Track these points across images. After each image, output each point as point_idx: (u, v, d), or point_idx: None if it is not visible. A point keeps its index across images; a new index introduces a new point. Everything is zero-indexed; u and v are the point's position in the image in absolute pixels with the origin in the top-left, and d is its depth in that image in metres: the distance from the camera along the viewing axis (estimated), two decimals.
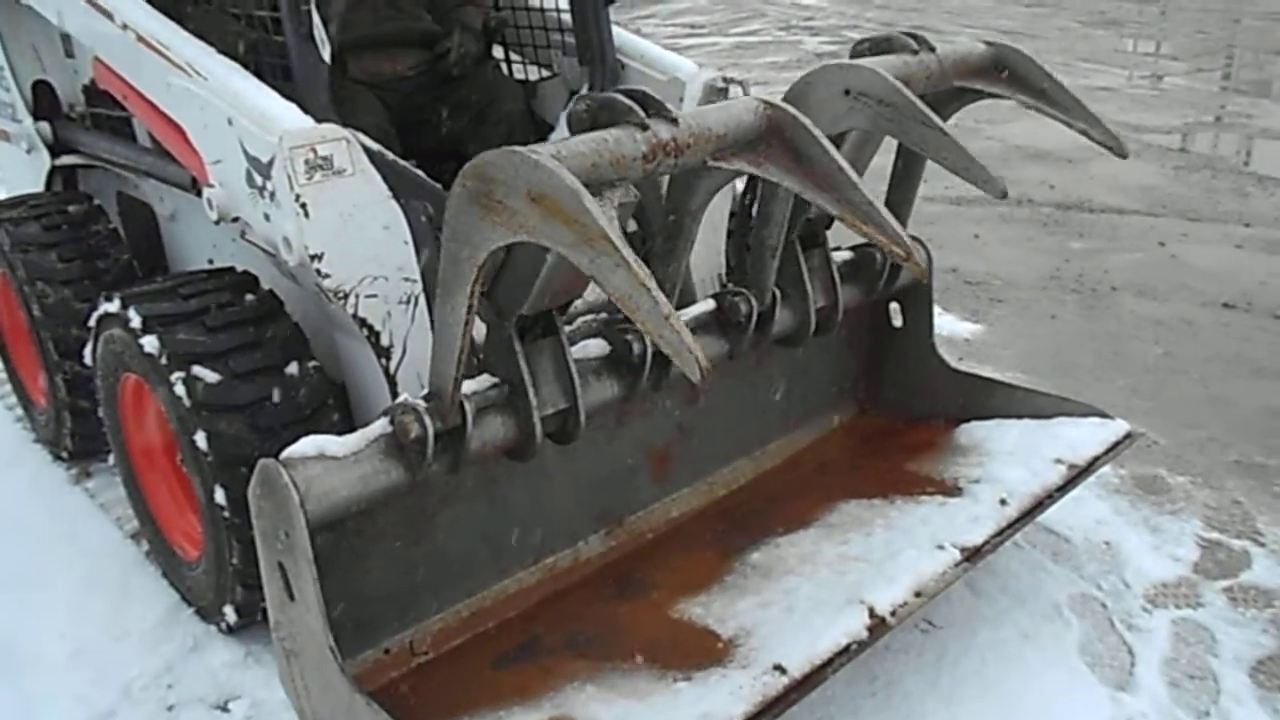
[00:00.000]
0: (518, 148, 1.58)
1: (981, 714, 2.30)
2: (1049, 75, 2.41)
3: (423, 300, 2.43)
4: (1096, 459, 2.69)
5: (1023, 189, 6.72)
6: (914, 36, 2.39)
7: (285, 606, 1.94)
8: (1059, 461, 2.65)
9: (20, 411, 3.74)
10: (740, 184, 3.16)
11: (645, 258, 2.86)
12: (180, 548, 2.69)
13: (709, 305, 2.51)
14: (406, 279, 2.39)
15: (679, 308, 2.44)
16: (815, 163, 1.85)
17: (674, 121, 1.76)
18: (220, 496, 2.29)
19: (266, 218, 2.36)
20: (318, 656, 1.90)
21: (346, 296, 2.31)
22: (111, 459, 2.96)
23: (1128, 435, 2.78)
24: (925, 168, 2.61)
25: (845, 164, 1.83)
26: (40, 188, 3.57)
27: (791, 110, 1.88)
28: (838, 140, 2.31)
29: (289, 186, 2.23)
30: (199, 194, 2.59)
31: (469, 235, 1.71)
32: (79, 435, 3.29)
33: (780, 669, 1.95)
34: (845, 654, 2.02)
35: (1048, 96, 2.41)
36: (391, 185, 2.39)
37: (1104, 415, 2.82)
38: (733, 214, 3.10)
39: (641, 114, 1.73)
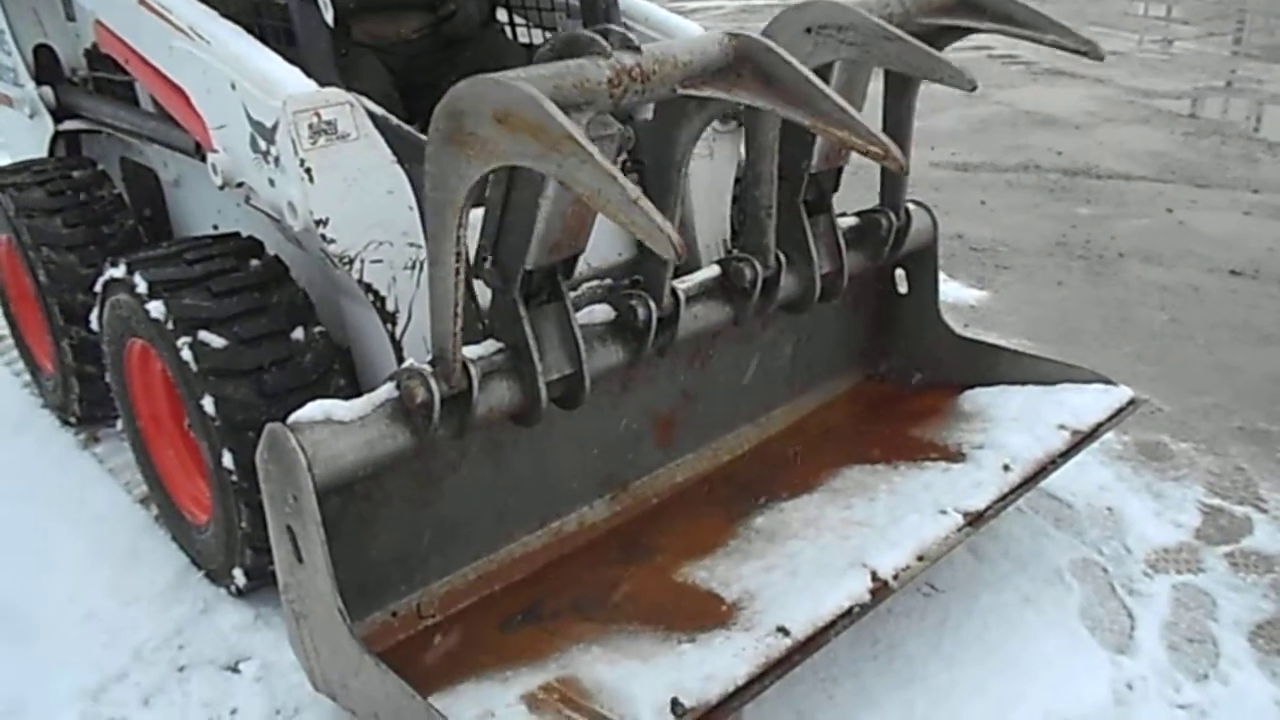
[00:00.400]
0: (475, 78, 1.62)
1: (982, 676, 2.32)
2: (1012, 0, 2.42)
3: (428, 265, 2.43)
4: (1100, 425, 2.69)
5: (1030, 155, 6.67)
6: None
7: (294, 569, 1.96)
8: (1062, 427, 2.65)
9: (28, 377, 3.76)
10: (744, 150, 3.15)
11: None
12: (189, 512, 2.72)
13: (714, 271, 2.50)
14: (411, 244, 2.39)
15: (683, 273, 2.47)
16: (785, 81, 1.87)
17: (637, 50, 1.80)
18: (228, 460, 2.30)
19: (271, 183, 2.35)
20: (326, 618, 1.92)
21: (352, 261, 2.31)
22: (119, 424, 2.99)
23: (1131, 402, 2.79)
24: (917, 95, 2.62)
25: (813, 77, 1.86)
26: (43, 153, 3.56)
27: (757, 36, 1.91)
28: (822, 76, 2.33)
29: (293, 151, 2.22)
30: (203, 159, 2.58)
31: (446, 178, 1.74)
32: (86, 400, 3.31)
33: (783, 631, 1.97)
34: (848, 616, 2.04)
35: (1014, 19, 2.42)
36: (395, 149, 2.38)
37: (1108, 381, 2.82)
38: (737, 180, 3.09)
39: (605, 44, 1.76)
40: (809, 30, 2.18)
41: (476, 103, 1.62)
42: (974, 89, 2.11)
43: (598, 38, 1.77)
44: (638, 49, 1.81)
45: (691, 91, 1.87)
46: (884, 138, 1.83)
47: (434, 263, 1.89)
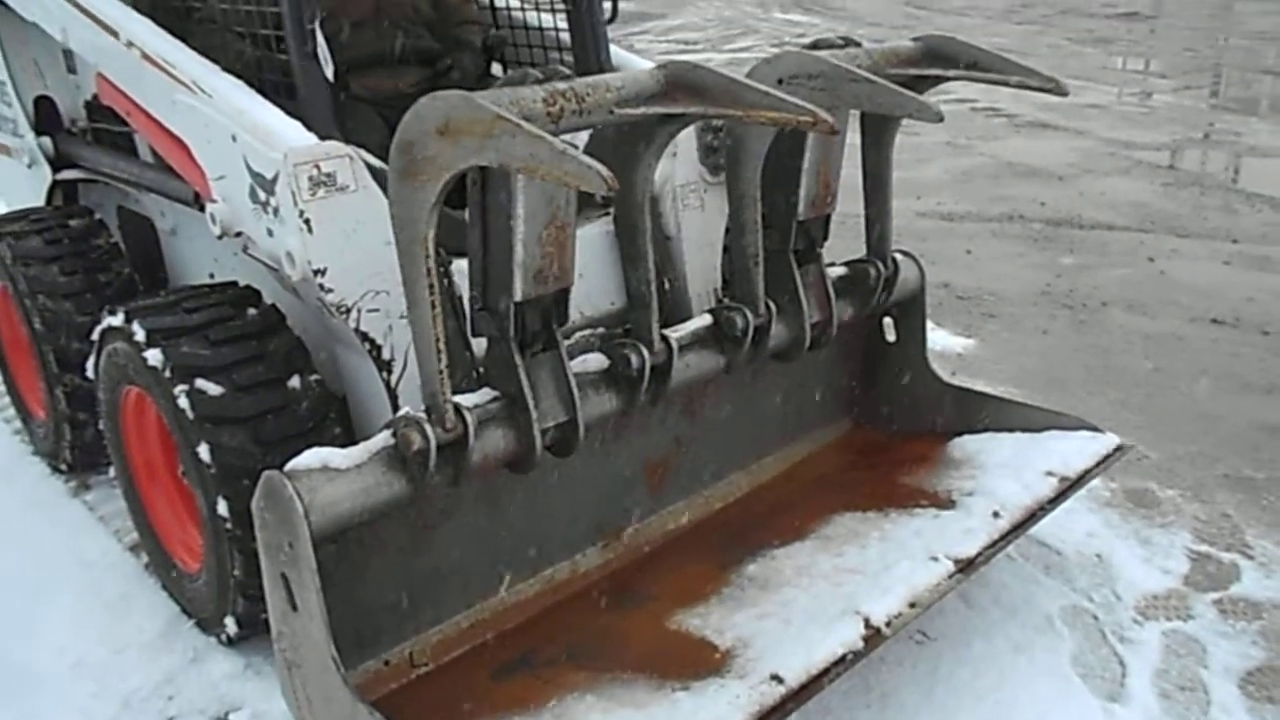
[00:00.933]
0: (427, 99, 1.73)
1: None
2: (975, 48, 2.53)
3: None
4: (1087, 472, 2.73)
5: (1014, 205, 6.78)
6: (843, 38, 2.55)
7: (288, 617, 1.96)
8: (1050, 474, 2.68)
9: (19, 424, 3.75)
10: (728, 199, 3.21)
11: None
12: (181, 560, 2.71)
13: (705, 320, 2.54)
14: None
15: (674, 322, 2.50)
16: (713, 88, 1.99)
17: (568, 78, 1.92)
18: (223, 508, 2.31)
19: (269, 233, 2.39)
20: (319, 667, 1.92)
21: (349, 311, 2.34)
22: (110, 471, 2.98)
23: (1118, 448, 2.82)
24: (894, 143, 2.73)
25: (738, 77, 1.98)
26: (41, 202, 3.60)
27: (684, 60, 2.05)
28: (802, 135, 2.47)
29: (293, 202, 2.26)
30: (201, 209, 2.62)
31: (409, 212, 1.84)
32: (78, 448, 3.31)
33: (777, 679, 1.98)
34: (841, 664, 2.05)
35: (979, 65, 2.53)
36: None
37: (1094, 429, 2.86)
38: (728, 230, 3.15)
39: (538, 74, 1.91)
40: (780, 81, 2.27)
41: (420, 124, 1.75)
42: (940, 120, 2.19)
43: (533, 71, 1.92)
44: (569, 76, 1.94)
45: (628, 111, 1.99)
46: (810, 106, 1.91)
47: (412, 304, 1.97)
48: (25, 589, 2.86)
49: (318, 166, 2.29)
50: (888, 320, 3.12)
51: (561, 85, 1.89)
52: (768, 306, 2.54)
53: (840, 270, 2.86)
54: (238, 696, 2.46)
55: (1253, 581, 2.90)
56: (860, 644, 2.10)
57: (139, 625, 2.71)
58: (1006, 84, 2.50)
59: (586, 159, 1.60)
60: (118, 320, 2.53)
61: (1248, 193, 7.20)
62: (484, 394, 2.12)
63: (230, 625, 2.50)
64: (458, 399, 2.10)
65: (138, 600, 2.81)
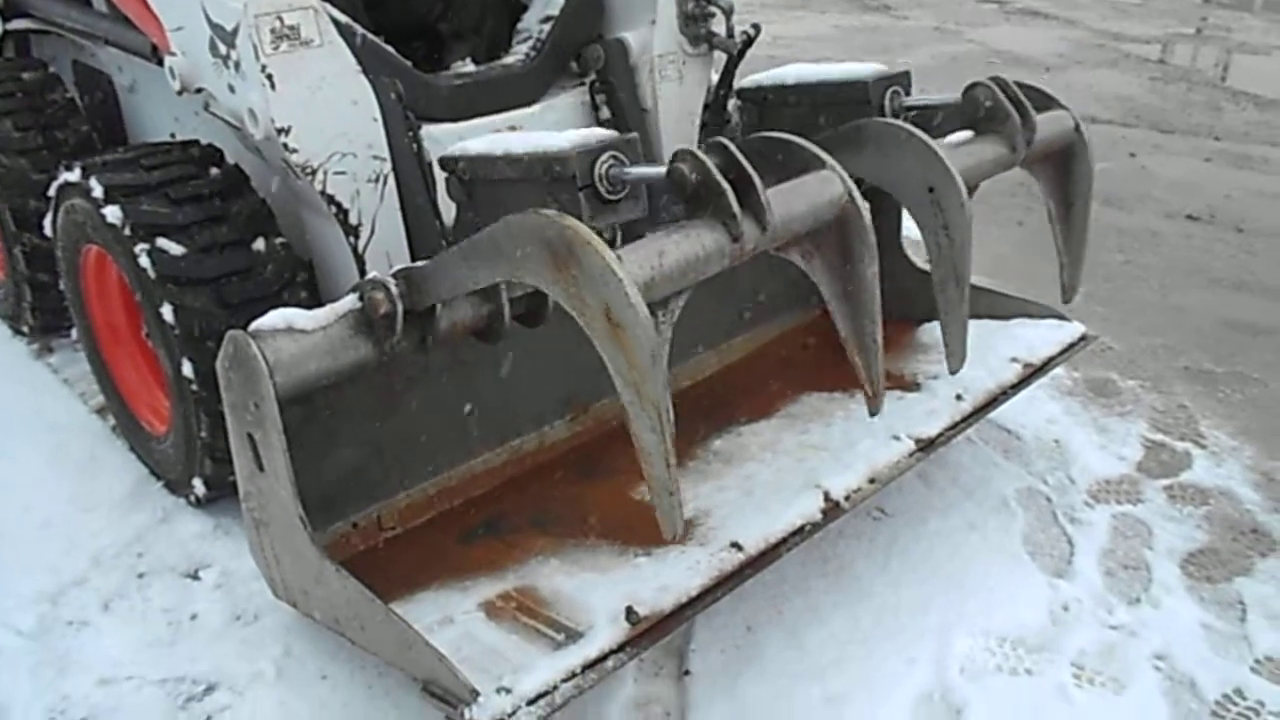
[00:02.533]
0: (611, 259, 1.54)
1: (926, 596, 2.41)
2: (1088, 195, 2.50)
3: (392, 180, 2.41)
4: (1051, 359, 2.76)
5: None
6: (1025, 116, 2.34)
7: (255, 477, 1.97)
8: (1015, 360, 2.72)
9: None
10: (715, 75, 3.13)
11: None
12: (147, 422, 2.70)
13: None
14: (376, 156, 2.36)
15: None
16: (859, 281, 1.94)
17: (764, 228, 1.76)
18: (188, 370, 2.29)
19: (231, 89, 2.30)
20: (287, 526, 1.94)
21: (314, 173, 2.28)
22: (74, 334, 2.94)
23: (1083, 338, 2.86)
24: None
25: (877, 290, 1.91)
26: None
27: (864, 214, 1.91)
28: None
29: (254, 56, 2.18)
30: (159, 63, 2.51)
31: (523, 262, 1.67)
32: (40, 310, 3.26)
33: (736, 546, 2.03)
34: (799, 534, 2.10)
35: (1072, 210, 2.51)
36: (360, 59, 2.34)
37: (1062, 318, 2.88)
38: (706, 105, 3.07)
39: (737, 213, 1.71)
40: (931, 190, 2.19)
41: (596, 281, 1.56)
42: (954, 372, 2.32)
43: (731, 200, 1.71)
44: (764, 225, 1.76)
45: (779, 254, 1.91)
46: (880, 385, 1.99)
47: (466, 263, 1.83)
48: None
49: (280, 19, 2.19)
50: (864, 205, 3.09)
51: (749, 244, 1.75)
52: None
53: None
54: (207, 555, 2.50)
55: (1203, 469, 2.99)
56: (819, 516, 2.15)
57: (107, 486, 2.72)
58: (1056, 246, 2.62)
59: (678, 510, 1.61)
60: (74, 176, 2.46)
61: (1234, 90, 7.13)
62: None
63: (198, 486, 2.52)
64: (425, 263, 2.07)
65: (105, 461, 2.81)
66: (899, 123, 2.24)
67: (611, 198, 1.83)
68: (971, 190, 2.22)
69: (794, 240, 1.89)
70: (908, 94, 2.58)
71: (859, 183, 2.47)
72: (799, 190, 1.89)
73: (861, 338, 1.97)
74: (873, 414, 2.05)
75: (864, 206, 1.92)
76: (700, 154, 1.73)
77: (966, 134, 2.40)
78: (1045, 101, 2.46)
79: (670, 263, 1.64)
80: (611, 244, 2.04)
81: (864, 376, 2.01)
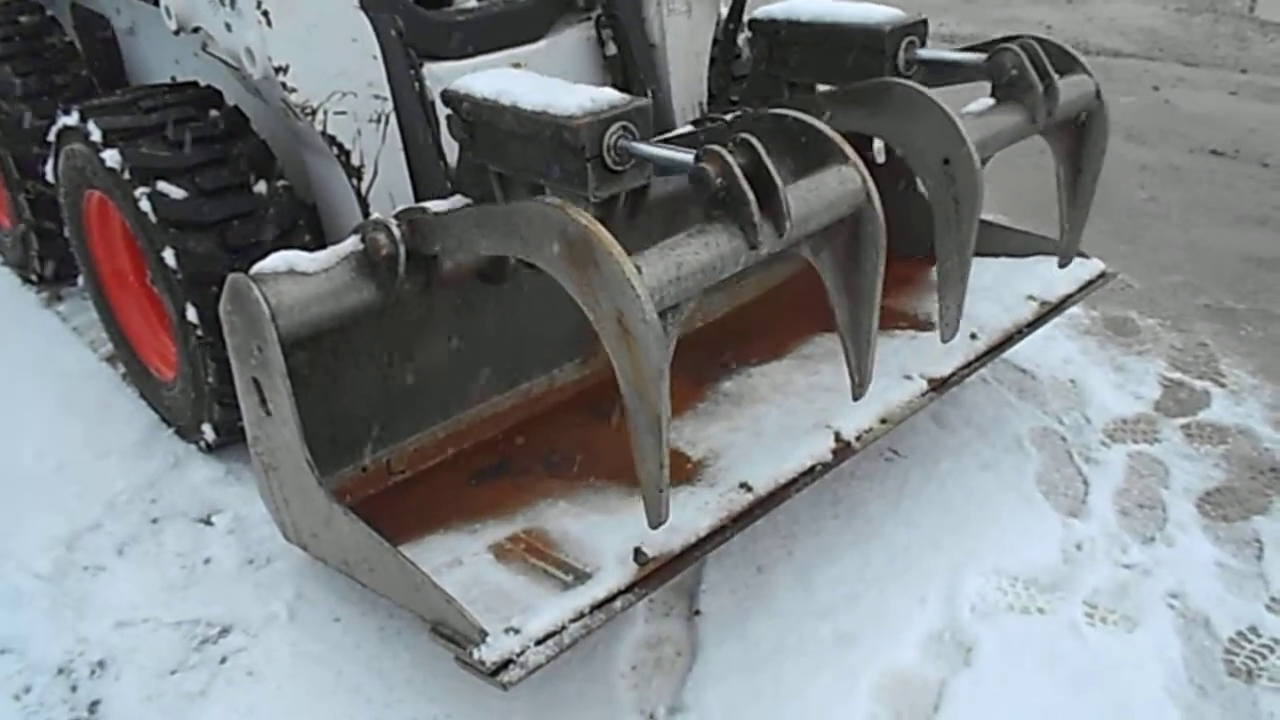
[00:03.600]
0: (629, 268, 1.53)
1: (937, 535, 2.40)
2: (1099, 165, 2.46)
3: (394, 119, 2.36)
4: (1069, 297, 2.71)
5: (1019, 28, 6.48)
6: (1050, 88, 2.27)
7: (261, 422, 1.96)
8: (1031, 298, 2.67)
9: None
10: (724, 9, 3.05)
11: (623, 83, 2.79)
12: (156, 368, 2.70)
13: (688, 131, 2.44)
14: (376, 95, 2.31)
15: (658, 133, 2.41)
16: (863, 277, 1.91)
17: (780, 233, 1.73)
18: (192, 315, 2.28)
19: (228, 27, 2.25)
20: (295, 470, 1.93)
21: (314, 113, 2.24)
22: (81, 282, 2.93)
23: (1102, 275, 2.80)
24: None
25: (879, 285, 1.90)
26: None
27: (878, 214, 1.88)
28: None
29: None
30: (156, 3, 2.46)
31: (539, 248, 1.68)
32: (47, 258, 3.25)
33: (746, 486, 2.01)
34: (810, 475, 2.09)
35: (1080, 178, 2.46)
36: None
37: (1080, 254, 2.82)
38: (716, 41, 2.99)
39: (758, 221, 1.69)
40: (947, 162, 2.14)
41: (612, 288, 1.56)
42: (945, 341, 2.30)
43: (752, 205, 1.68)
44: (781, 231, 1.73)
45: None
46: (868, 377, 2.01)
47: (477, 223, 1.83)
48: (2, 398, 2.86)
49: None
50: (878, 143, 3.02)
51: (764, 249, 1.73)
52: None
53: (830, 88, 2.73)
54: (219, 500, 2.51)
55: (1222, 408, 2.95)
56: (829, 456, 2.13)
57: (119, 432, 2.73)
58: (1060, 213, 2.57)
59: (666, 502, 1.68)
60: (73, 120, 2.42)
61: (1262, 20, 6.91)
62: (456, 200, 2.06)
63: (208, 432, 2.52)
64: (429, 204, 2.04)
65: (116, 408, 2.82)
66: (922, 89, 2.18)
67: (617, 168, 1.80)
68: (985, 160, 2.17)
69: (806, 238, 1.87)
70: (924, 44, 2.50)
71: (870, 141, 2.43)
72: (818, 189, 1.86)
73: (857, 330, 1.97)
74: (855, 399, 2.07)
75: (879, 207, 1.90)
76: (727, 156, 1.70)
77: (988, 101, 2.34)
78: (1069, 64, 2.39)
79: (687, 272, 1.64)
80: (612, 213, 2.02)
81: (853, 366, 2.01)
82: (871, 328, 1.96)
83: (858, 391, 2.05)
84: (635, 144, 1.81)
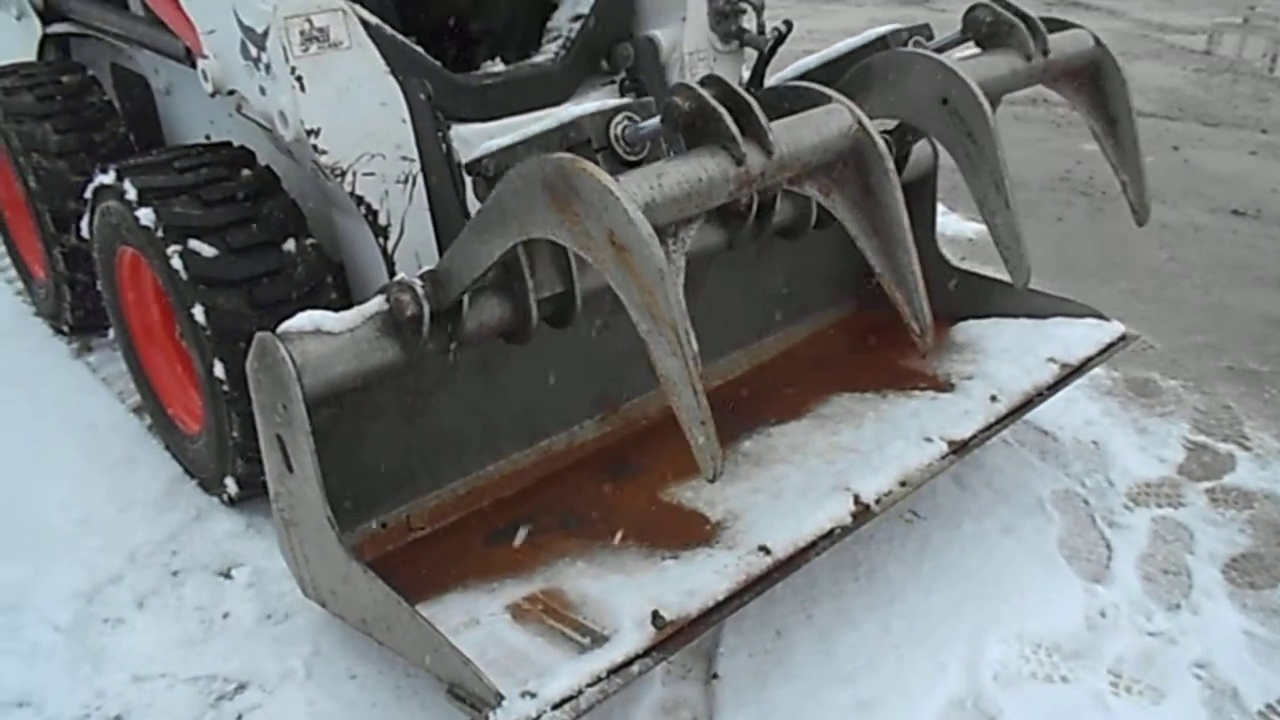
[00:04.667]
0: (609, 181, 1.51)
1: (959, 600, 2.37)
2: (1129, 108, 2.39)
3: (421, 180, 2.41)
4: (1090, 359, 2.70)
5: (1038, 89, 6.56)
6: (1033, 26, 2.28)
7: (284, 478, 1.98)
8: (1052, 360, 2.66)
9: (20, 285, 3.75)
10: (746, 73, 3.10)
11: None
12: (181, 421, 2.74)
13: None
14: (404, 158, 2.37)
15: None
16: (885, 212, 1.85)
17: (769, 153, 1.70)
18: (219, 370, 2.31)
19: (262, 91, 2.32)
20: (316, 527, 1.95)
21: (344, 174, 2.29)
22: (111, 334, 2.99)
23: (1122, 337, 2.80)
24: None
25: (906, 219, 1.82)
26: (32, 56, 3.50)
27: (878, 142, 1.84)
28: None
29: (284, 58, 2.19)
30: (193, 65, 2.54)
31: (528, 214, 1.66)
32: (79, 309, 3.31)
33: (765, 550, 2.01)
34: (829, 538, 2.08)
35: (1118, 126, 2.41)
36: (390, 60, 2.34)
37: (1101, 316, 2.82)
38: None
39: (738, 136, 1.67)
40: (945, 102, 2.11)
41: (599, 208, 1.53)
42: (1024, 286, 2.22)
43: (731, 125, 1.66)
44: (769, 150, 1.71)
45: (793, 188, 1.84)
46: (927, 319, 1.89)
47: (478, 235, 1.82)
48: (30, 447, 2.90)
49: (309, 21, 2.20)
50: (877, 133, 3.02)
51: (756, 169, 1.69)
52: None
53: None
54: (240, 553, 2.52)
55: (1247, 472, 2.91)
56: (849, 520, 2.12)
57: (143, 484, 2.75)
58: (1113, 168, 2.52)
59: (715, 445, 1.54)
60: (109, 178, 2.49)
61: None
62: None
63: (231, 486, 2.54)
64: None
65: (141, 460, 2.85)
66: (899, 50, 2.18)
67: (631, 158, 1.81)
68: (994, 104, 2.13)
69: (807, 173, 1.82)
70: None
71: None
72: (805, 121, 1.83)
73: (897, 270, 1.87)
74: (923, 353, 1.95)
75: (877, 135, 1.85)
76: (695, 85, 1.70)
77: (974, 50, 2.34)
78: (1059, 25, 2.41)
79: (670, 184, 1.59)
80: None
81: (906, 312, 1.90)
82: (912, 264, 1.87)
83: (922, 342, 1.92)
84: (641, 125, 1.81)
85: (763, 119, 1.72)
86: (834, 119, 1.86)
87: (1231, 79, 6.91)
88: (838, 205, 1.89)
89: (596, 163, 1.75)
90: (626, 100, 1.82)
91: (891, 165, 1.85)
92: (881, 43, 2.46)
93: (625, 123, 1.80)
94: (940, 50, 2.44)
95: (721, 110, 1.67)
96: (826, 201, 1.88)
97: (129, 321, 2.82)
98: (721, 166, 1.67)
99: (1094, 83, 2.44)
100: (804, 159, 1.79)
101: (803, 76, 2.59)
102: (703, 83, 1.73)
